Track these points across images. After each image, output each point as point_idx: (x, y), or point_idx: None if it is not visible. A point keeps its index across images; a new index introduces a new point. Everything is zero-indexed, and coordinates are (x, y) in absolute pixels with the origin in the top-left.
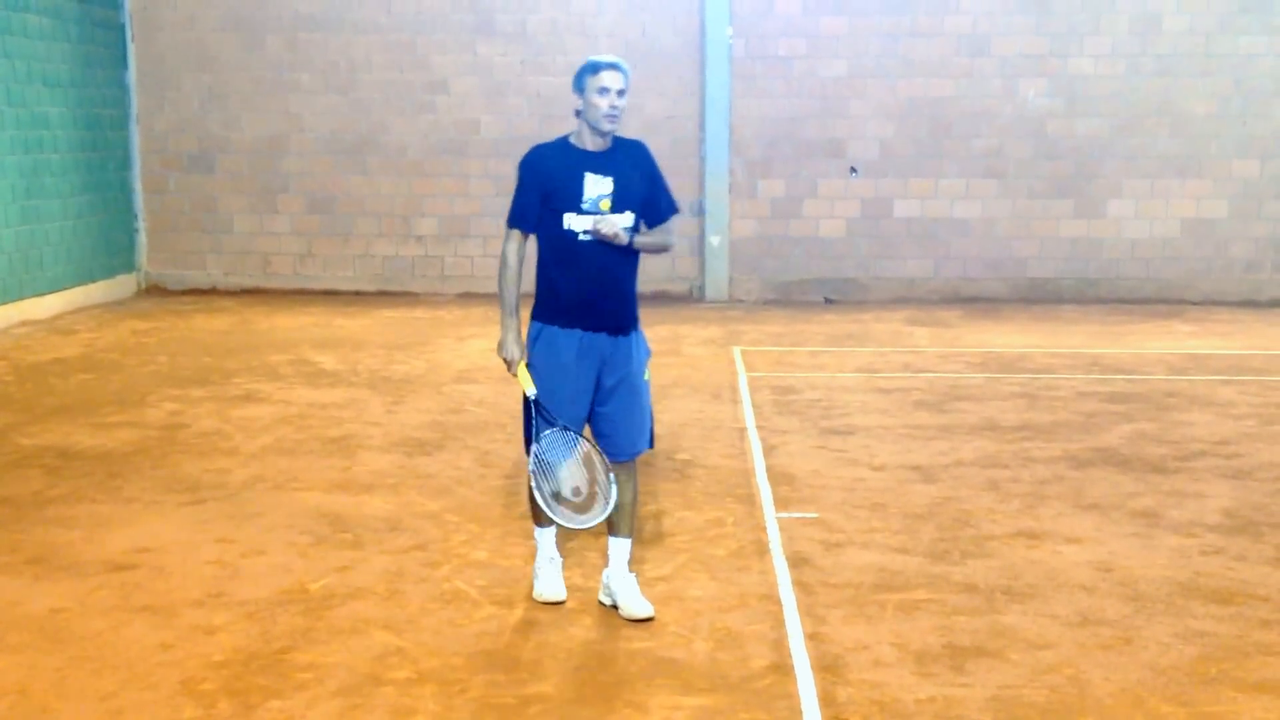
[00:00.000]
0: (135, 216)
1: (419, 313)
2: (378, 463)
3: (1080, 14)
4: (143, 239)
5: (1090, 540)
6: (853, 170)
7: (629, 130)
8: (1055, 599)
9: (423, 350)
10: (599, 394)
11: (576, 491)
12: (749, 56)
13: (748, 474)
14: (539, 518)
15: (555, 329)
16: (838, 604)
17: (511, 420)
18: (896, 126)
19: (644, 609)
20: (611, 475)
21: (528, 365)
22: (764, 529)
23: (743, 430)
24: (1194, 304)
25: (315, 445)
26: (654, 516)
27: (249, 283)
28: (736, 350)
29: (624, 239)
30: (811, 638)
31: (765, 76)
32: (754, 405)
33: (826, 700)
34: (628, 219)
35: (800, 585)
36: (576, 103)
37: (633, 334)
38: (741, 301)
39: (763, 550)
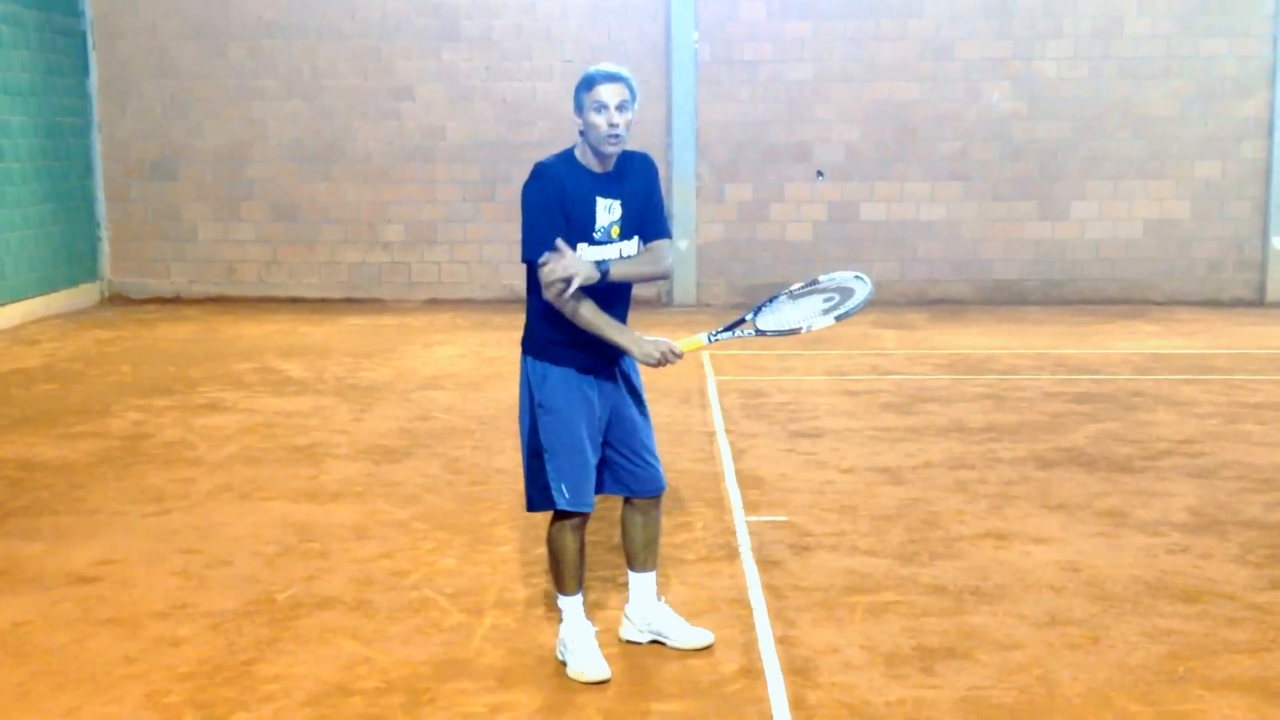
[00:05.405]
0: (98, 225)
1: (386, 320)
2: (345, 471)
3: (1042, 17)
4: (105, 247)
5: (1057, 540)
6: (819, 174)
7: None
8: (1023, 599)
9: (390, 357)
10: (621, 428)
11: (830, 296)
12: (715, 61)
13: (717, 478)
14: (563, 584)
15: (571, 370)
16: (808, 607)
17: (480, 425)
18: (862, 130)
19: (703, 637)
20: (833, 275)
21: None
22: (733, 533)
23: (711, 434)
24: (1157, 304)
25: (281, 454)
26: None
27: (213, 291)
28: (705, 354)
29: (594, 276)
30: (781, 641)
31: (731, 81)
32: (722, 409)
33: (797, 704)
34: (633, 246)
35: (770, 589)
36: (578, 123)
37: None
38: (709, 305)
39: (732, 554)
